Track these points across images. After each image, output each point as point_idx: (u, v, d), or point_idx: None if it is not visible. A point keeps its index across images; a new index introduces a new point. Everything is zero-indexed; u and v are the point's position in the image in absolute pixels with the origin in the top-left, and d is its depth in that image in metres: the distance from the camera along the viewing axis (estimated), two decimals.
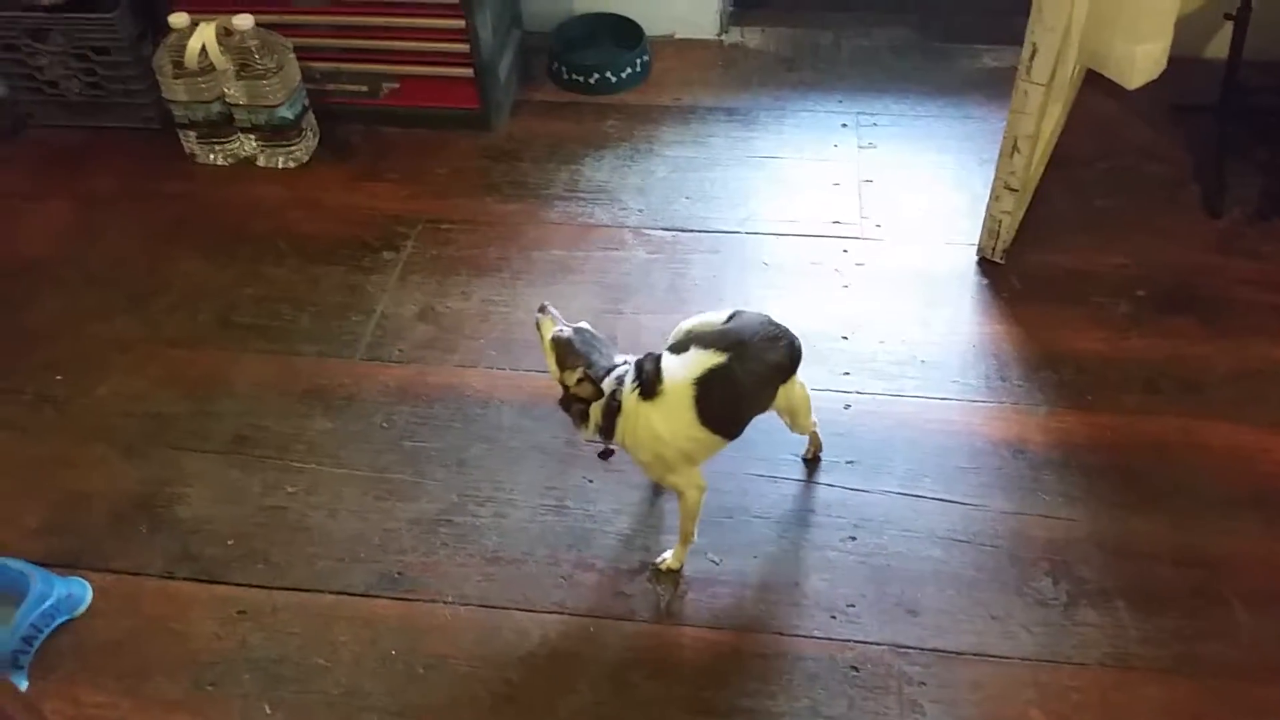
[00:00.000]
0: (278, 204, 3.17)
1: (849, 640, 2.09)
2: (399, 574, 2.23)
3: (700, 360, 1.98)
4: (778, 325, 2.07)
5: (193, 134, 3.25)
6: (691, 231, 3.01)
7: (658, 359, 2.01)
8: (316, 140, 3.33)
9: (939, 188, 3.12)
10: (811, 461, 2.41)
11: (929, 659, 2.06)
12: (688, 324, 2.13)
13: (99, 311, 2.86)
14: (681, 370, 1.98)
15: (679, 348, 2.03)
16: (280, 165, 3.27)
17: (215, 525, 2.34)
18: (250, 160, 3.30)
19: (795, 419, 2.23)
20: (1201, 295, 2.75)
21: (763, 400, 2.09)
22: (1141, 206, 3.00)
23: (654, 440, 1.99)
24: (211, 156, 3.29)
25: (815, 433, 2.37)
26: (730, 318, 2.09)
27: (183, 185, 3.25)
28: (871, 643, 2.09)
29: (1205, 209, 2.99)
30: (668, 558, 2.20)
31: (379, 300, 2.85)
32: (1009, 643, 2.08)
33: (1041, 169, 2.94)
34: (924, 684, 2.02)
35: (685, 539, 2.17)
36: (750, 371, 2.00)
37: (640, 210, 3.08)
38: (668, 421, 1.98)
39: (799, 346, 2.08)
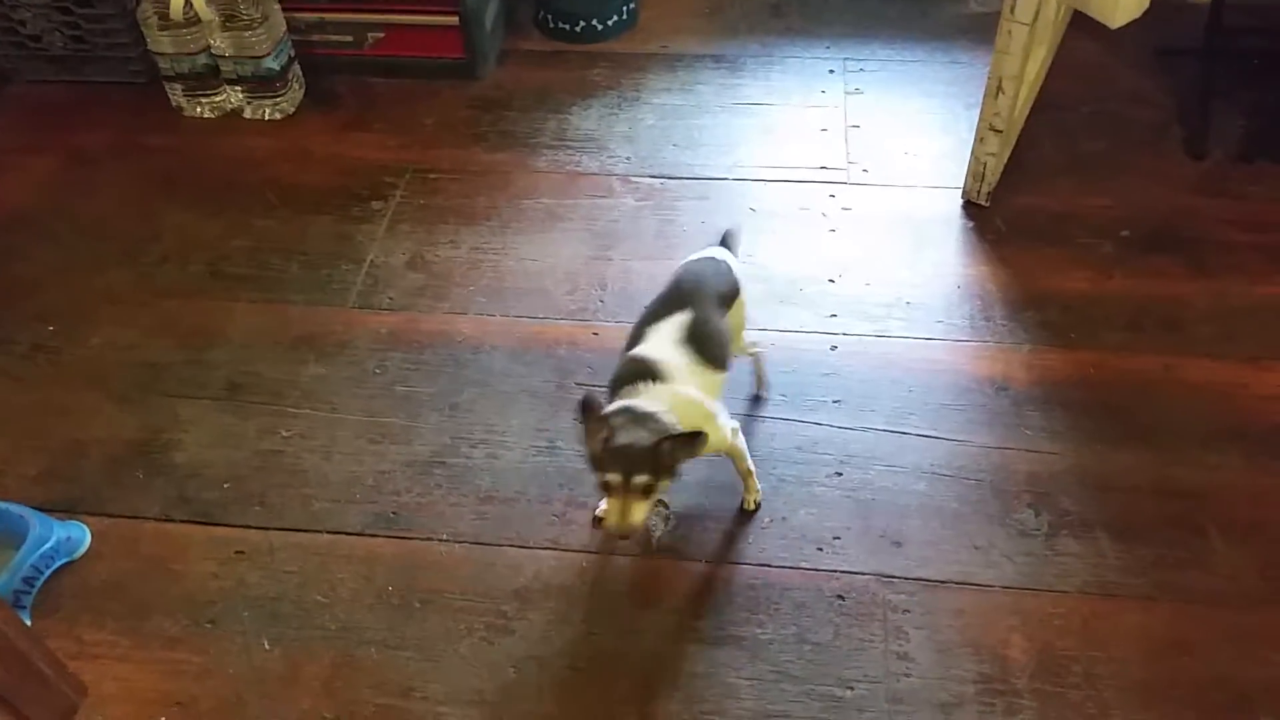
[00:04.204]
0: (265, 155, 3.17)
1: (835, 570, 2.14)
2: (394, 514, 2.27)
3: (675, 323, 2.02)
4: (716, 261, 2.17)
5: (179, 86, 3.25)
6: (679, 178, 3.03)
7: (640, 358, 1.99)
8: (303, 92, 3.33)
9: (925, 132, 3.13)
10: (757, 400, 2.45)
11: (913, 588, 2.10)
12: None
13: (90, 263, 2.87)
14: (668, 343, 2.00)
15: (642, 333, 2.04)
16: (267, 117, 3.27)
17: (211, 469, 2.37)
18: (237, 112, 3.30)
19: (735, 339, 2.25)
20: (1184, 236, 2.78)
21: (725, 326, 2.13)
22: (1125, 149, 3.03)
23: (695, 406, 1.96)
24: (198, 109, 3.29)
25: (761, 366, 2.44)
26: (673, 287, 2.12)
27: (170, 138, 3.26)
28: (857, 573, 2.13)
29: (1189, 151, 3.01)
30: (749, 503, 2.24)
31: (369, 249, 2.87)
32: (992, 572, 2.12)
33: (1026, 112, 2.95)
34: (908, 611, 2.07)
35: (750, 479, 2.22)
36: (710, 307, 2.08)
37: (628, 158, 3.09)
38: (691, 385, 1.99)
39: (736, 276, 2.19)
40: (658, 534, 2.21)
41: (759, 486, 2.24)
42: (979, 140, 2.76)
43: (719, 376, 2.06)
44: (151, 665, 2.04)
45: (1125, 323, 2.58)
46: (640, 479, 1.77)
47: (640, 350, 2.01)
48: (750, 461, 2.19)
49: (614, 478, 1.78)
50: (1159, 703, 1.92)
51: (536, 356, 2.57)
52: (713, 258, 2.20)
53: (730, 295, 2.16)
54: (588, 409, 1.81)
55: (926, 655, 2.00)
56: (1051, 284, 2.67)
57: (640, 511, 1.80)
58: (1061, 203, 2.88)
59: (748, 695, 1.96)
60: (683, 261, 2.21)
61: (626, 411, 1.85)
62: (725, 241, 2.31)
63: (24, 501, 2.24)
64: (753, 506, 2.24)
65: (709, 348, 2.02)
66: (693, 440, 1.80)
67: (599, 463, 1.81)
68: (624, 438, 1.79)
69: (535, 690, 1.98)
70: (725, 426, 2.06)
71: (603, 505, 2.23)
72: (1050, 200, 2.89)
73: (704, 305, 2.06)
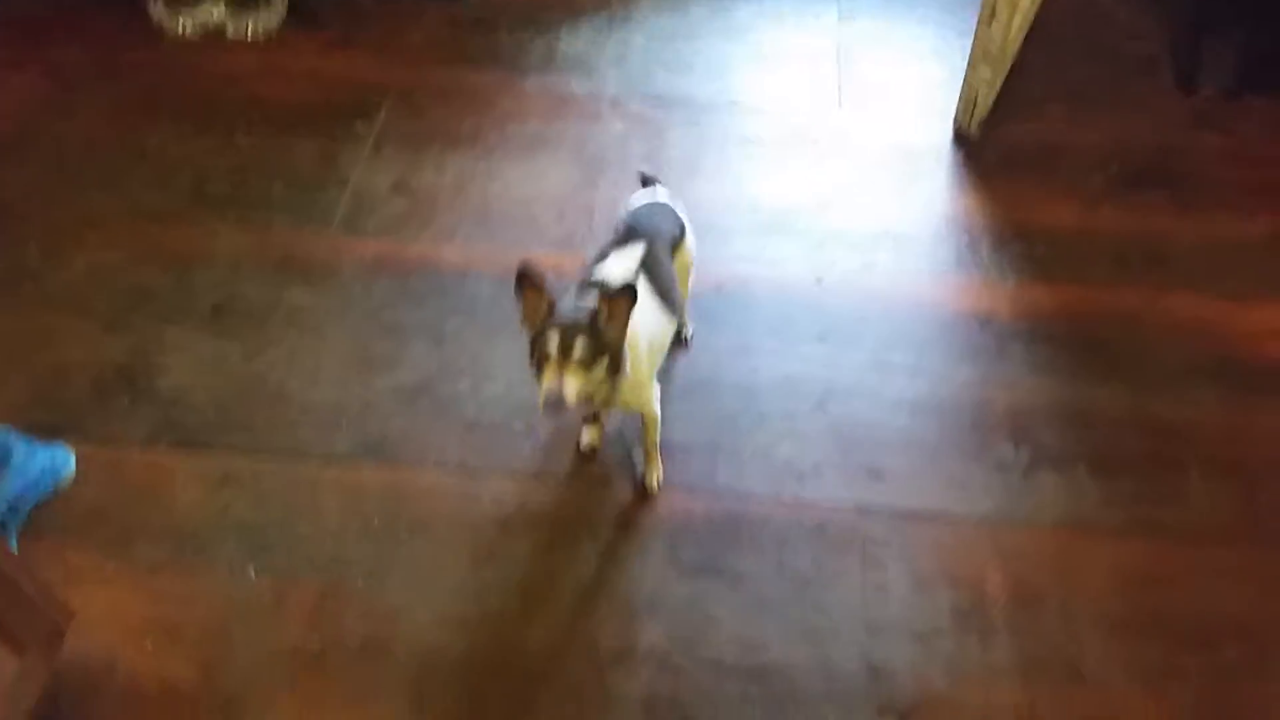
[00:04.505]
0: (248, 74, 3.11)
1: (815, 502, 2.16)
2: (380, 441, 2.28)
3: (630, 254, 2.02)
4: (662, 203, 2.18)
5: (160, 1, 3.16)
6: (669, 104, 2.98)
7: (595, 279, 1.98)
8: (286, 9, 3.25)
9: (918, 61, 3.09)
10: (679, 343, 2.43)
11: (892, 519, 2.14)
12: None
13: (71, 186, 2.83)
14: (622, 268, 2.00)
15: (597, 266, 2.03)
16: (249, 34, 3.20)
17: (196, 394, 2.37)
18: (219, 30, 3.22)
19: (682, 281, 2.25)
20: (1172, 170, 2.77)
21: (673, 270, 2.14)
22: (1117, 83, 2.99)
23: (634, 339, 1.93)
24: (180, 24, 3.21)
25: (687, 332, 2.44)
26: (627, 229, 2.11)
27: (151, 56, 3.19)
28: (837, 505, 2.16)
29: (1180, 86, 2.98)
30: (653, 483, 2.20)
31: (352, 172, 2.83)
32: (969, 504, 2.16)
33: (1019, 41, 2.89)
34: (887, 544, 2.10)
35: (656, 453, 2.18)
36: (663, 246, 2.09)
37: (618, 82, 3.04)
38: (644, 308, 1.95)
39: (683, 219, 2.20)
40: (641, 467, 2.22)
41: (661, 466, 2.20)
42: (971, 67, 2.73)
43: (668, 321, 2.06)
44: (137, 591, 2.06)
45: (1111, 257, 2.58)
46: (579, 350, 1.75)
47: (597, 269, 2.01)
48: (658, 437, 2.14)
49: (552, 348, 1.75)
50: (1132, 635, 1.97)
51: None
52: (658, 200, 2.20)
53: (679, 237, 2.17)
54: (526, 276, 1.79)
55: (904, 586, 2.04)
56: (1039, 217, 2.66)
57: (577, 383, 1.75)
58: (1051, 135, 2.86)
59: (727, 624, 1.99)
60: (629, 204, 2.19)
61: (582, 283, 1.91)
62: (645, 183, 2.30)
63: (8, 426, 2.23)
64: (655, 488, 2.19)
65: (661, 278, 2.03)
66: (625, 295, 1.76)
67: (538, 334, 1.79)
68: (564, 311, 1.79)
69: (518, 617, 2.01)
70: (652, 386, 2.05)
71: (584, 436, 2.25)
72: (1040, 133, 2.86)
73: (656, 243, 2.07)
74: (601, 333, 1.78)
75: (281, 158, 2.87)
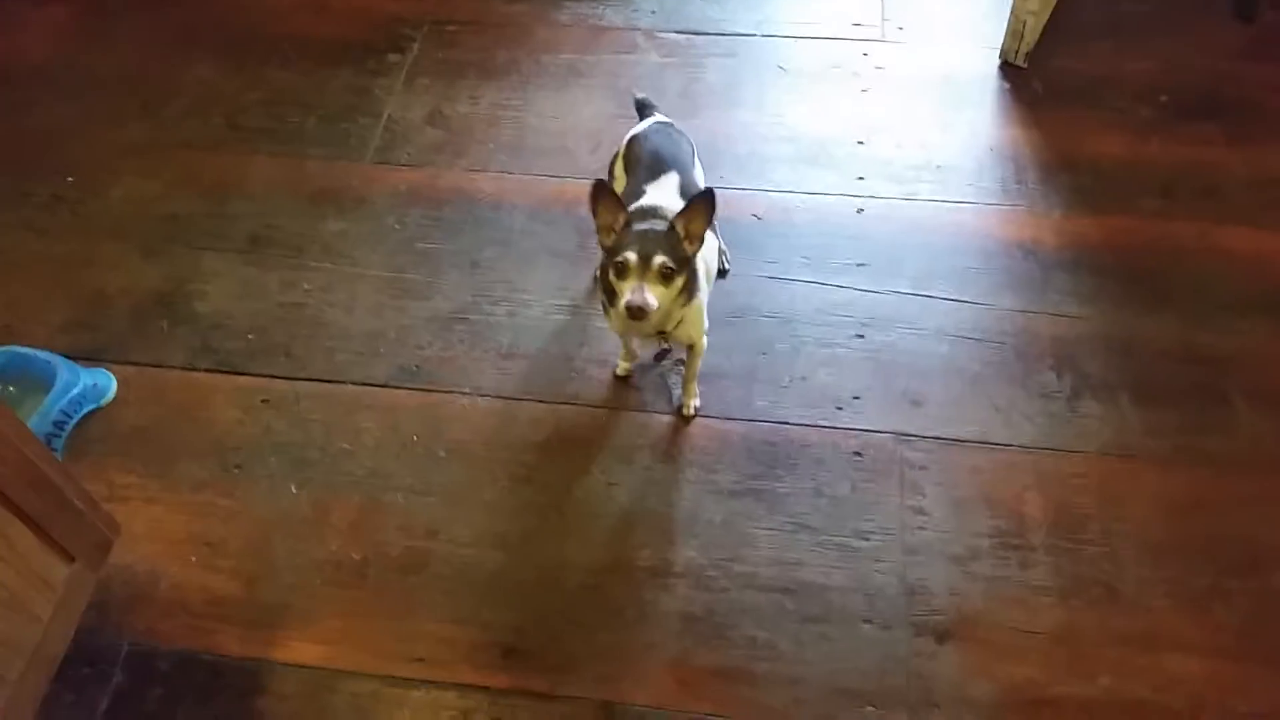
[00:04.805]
0: (283, 7, 3.10)
1: (853, 428, 2.15)
2: (417, 367, 2.28)
3: (667, 184, 2.00)
4: (671, 126, 2.18)
5: None
6: (706, 34, 2.94)
7: (645, 205, 1.96)
8: None
9: None
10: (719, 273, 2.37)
11: (931, 446, 2.11)
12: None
13: (109, 115, 2.83)
14: (666, 195, 1.97)
15: (641, 192, 2.00)
16: None
17: (234, 320, 2.38)
18: None
19: None
20: (1226, 101, 2.69)
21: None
22: (1170, 10, 2.91)
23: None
24: None
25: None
26: (651, 156, 2.08)
27: None
28: (875, 431, 2.14)
29: (1236, 13, 2.89)
30: (691, 409, 2.19)
31: (386, 103, 2.81)
32: (1010, 431, 2.13)
33: None
34: (925, 468, 2.08)
35: (695, 380, 2.17)
36: (689, 169, 2.08)
37: (653, 12, 3.00)
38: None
39: (691, 141, 2.20)
40: (678, 392, 2.21)
41: (699, 393, 2.19)
42: None
43: (716, 249, 2.08)
44: (180, 507, 2.09)
45: (1161, 189, 2.52)
46: (659, 260, 1.74)
47: (643, 201, 1.97)
48: (699, 368, 2.14)
49: (632, 256, 1.74)
50: (1174, 560, 1.94)
51: (557, 215, 2.54)
52: (666, 123, 2.18)
53: (693, 156, 2.16)
54: (601, 190, 1.78)
55: (942, 510, 2.02)
56: (1087, 148, 2.61)
57: (659, 293, 1.75)
58: (1101, 66, 2.78)
59: (764, 545, 1.99)
60: (638, 131, 2.16)
61: (639, 210, 1.89)
62: (642, 109, 2.27)
63: (49, 349, 2.26)
64: (691, 412, 2.18)
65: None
66: (706, 198, 1.77)
67: (616, 245, 1.78)
68: (640, 224, 1.80)
69: (556, 536, 2.02)
70: (705, 321, 2.03)
71: (619, 365, 2.23)
72: (1089, 63, 2.79)
73: (686, 171, 2.06)
74: (679, 246, 1.77)
75: (316, 90, 2.86)
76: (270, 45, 2.98)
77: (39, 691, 1.62)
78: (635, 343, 2.19)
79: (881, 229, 2.48)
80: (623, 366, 2.23)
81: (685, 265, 1.79)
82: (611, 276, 1.79)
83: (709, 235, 1.92)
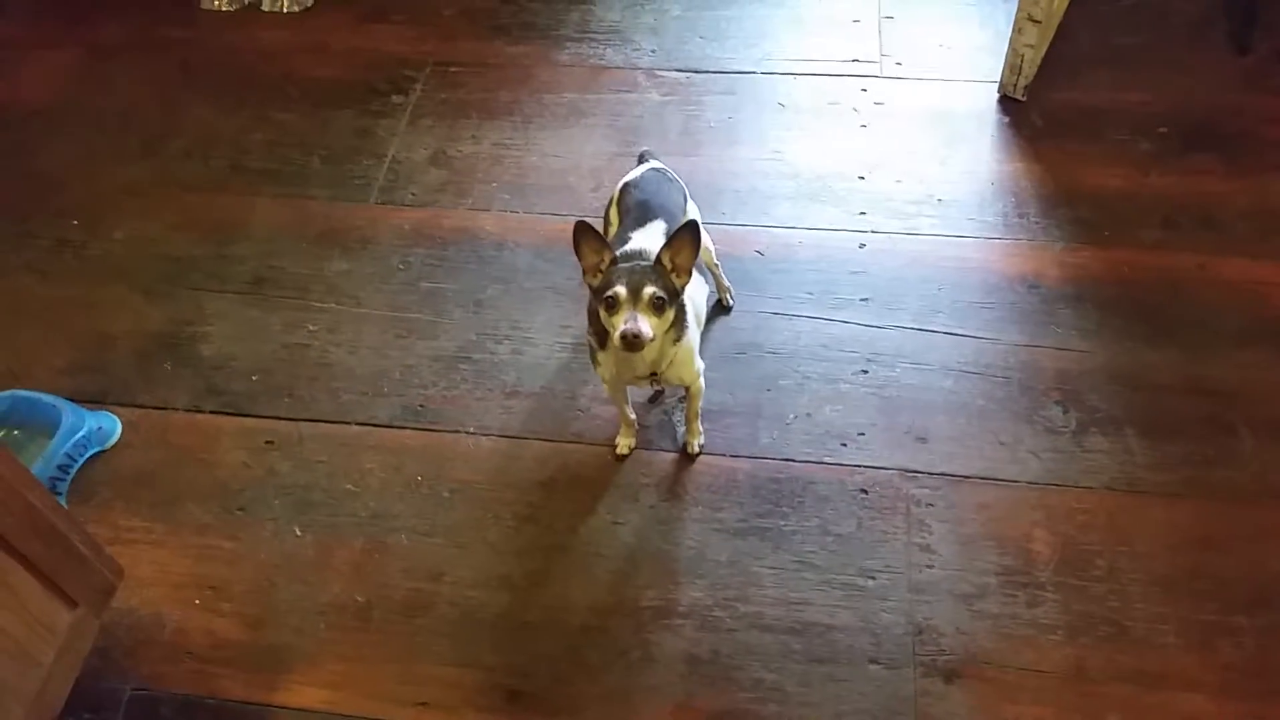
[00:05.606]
0: (284, 48, 3.12)
1: (859, 465, 2.14)
2: (421, 406, 2.28)
3: (654, 231, 2.00)
4: (664, 172, 2.18)
5: None
6: (706, 72, 2.96)
7: (631, 249, 1.95)
8: None
9: (961, 24, 3.04)
10: (722, 306, 2.41)
11: (937, 482, 2.11)
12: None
13: (111, 158, 2.85)
14: (652, 240, 1.97)
15: (627, 239, 2.00)
16: (285, 9, 3.21)
17: (238, 362, 2.38)
18: (255, 5, 3.24)
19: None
20: (1224, 132, 2.70)
21: None
22: (1167, 43, 2.93)
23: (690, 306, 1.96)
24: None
25: (719, 275, 2.40)
26: (640, 205, 2.08)
27: (188, 31, 3.21)
28: (881, 467, 2.13)
29: (1233, 45, 2.91)
30: (695, 447, 2.19)
31: (389, 144, 2.83)
32: (1017, 467, 2.12)
33: (1066, 3, 2.85)
34: (931, 505, 2.07)
35: (698, 419, 2.17)
36: (674, 218, 2.05)
37: (653, 51, 3.02)
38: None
39: (683, 185, 2.21)
40: (682, 431, 2.20)
41: (702, 431, 2.18)
42: (1017, 31, 2.68)
43: (706, 293, 2.11)
44: (185, 550, 2.08)
45: (1161, 221, 2.52)
46: (649, 291, 1.73)
47: (628, 248, 1.96)
48: (700, 406, 2.14)
49: (621, 290, 1.73)
50: (1182, 596, 1.93)
51: (560, 254, 2.54)
52: (659, 169, 2.19)
53: (684, 204, 2.16)
54: (584, 230, 1.78)
55: (949, 548, 2.01)
56: (1087, 181, 2.61)
57: (652, 322, 1.74)
58: (1099, 98, 2.80)
59: (770, 584, 1.98)
60: (631, 178, 2.16)
61: (624, 255, 1.89)
62: (641, 159, 2.27)
63: (53, 392, 2.26)
64: (696, 450, 2.18)
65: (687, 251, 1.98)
66: (689, 229, 1.77)
67: (604, 282, 1.76)
68: (625, 263, 1.80)
69: (561, 576, 2.01)
70: (698, 361, 2.03)
71: (620, 441, 2.21)
72: (1088, 96, 2.80)
73: (672, 215, 2.05)
74: (667, 278, 1.77)
75: (319, 131, 2.88)
76: (272, 86, 3.00)
77: None
78: (629, 402, 2.17)
79: (884, 264, 2.49)
80: (623, 444, 2.20)
81: (675, 297, 1.79)
82: (602, 314, 1.78)
83: (696, 278, 1.92)
